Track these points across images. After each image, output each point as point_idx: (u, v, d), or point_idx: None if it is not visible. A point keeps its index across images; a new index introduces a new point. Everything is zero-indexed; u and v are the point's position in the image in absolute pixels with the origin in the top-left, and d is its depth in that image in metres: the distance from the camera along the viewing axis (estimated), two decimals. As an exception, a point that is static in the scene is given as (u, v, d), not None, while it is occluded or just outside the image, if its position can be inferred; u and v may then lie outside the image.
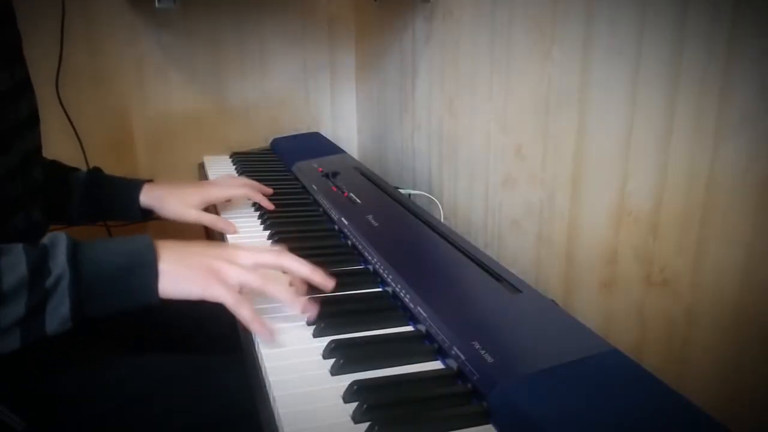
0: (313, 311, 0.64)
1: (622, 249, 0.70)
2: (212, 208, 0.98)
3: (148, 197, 0.92)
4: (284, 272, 0.68)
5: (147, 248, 0.61)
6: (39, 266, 0.56)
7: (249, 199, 1.00)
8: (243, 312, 0.61)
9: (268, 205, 0.98)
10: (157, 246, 0.62)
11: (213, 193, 0.96)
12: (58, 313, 0.56)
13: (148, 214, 0.94)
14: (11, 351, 0.55)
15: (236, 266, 0.64)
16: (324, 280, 0.66)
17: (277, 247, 0.70)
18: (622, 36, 0.67)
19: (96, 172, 0.95)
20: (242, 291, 0.63)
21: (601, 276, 0.74)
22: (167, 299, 0.61)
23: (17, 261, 0.55)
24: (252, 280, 0.63)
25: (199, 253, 0.64)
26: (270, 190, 1.02)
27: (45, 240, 0.59)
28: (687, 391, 0.49)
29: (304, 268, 0.66)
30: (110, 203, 0.93)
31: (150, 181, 0.95)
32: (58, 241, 0.58)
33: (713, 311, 0.60)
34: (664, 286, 0.65)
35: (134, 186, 0.93)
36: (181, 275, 0.61)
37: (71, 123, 1.35)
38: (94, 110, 1.42)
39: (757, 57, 0.53)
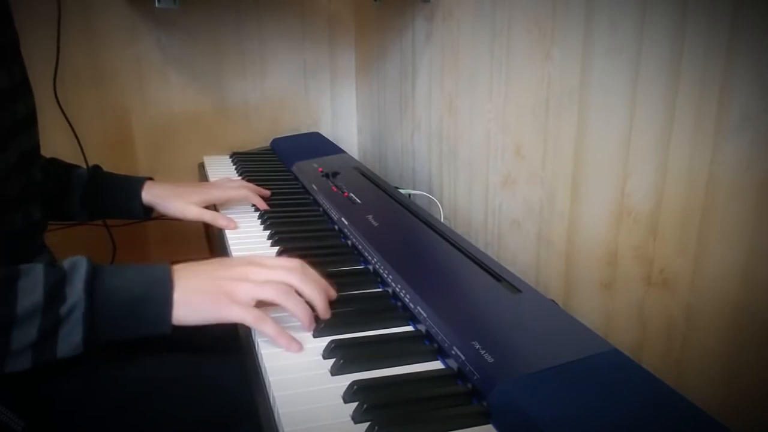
0: (316, 328, 0.62)
1: (622, 249, 0.70)
2: (212, 208, 0.98)
3: (149, 194, 0.93)
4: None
5: (163, 278, 0.60)
6: (55, 292, 0.56)
7: (247, 201, 1.00)
8: (266, 329, 0.60)
9: (266, 208, 0.98)
10: (173, 275, 0.61)
11: (213, 194, 0.97)
12: (71, 339, 0.56)
13: (149, 212, 0.95)
14: (22, 370, 0.56)
15: (248, 282, 0.62)
16: (325, 311, 0.64)
17: (292, 262, 0.66)
18: (622, 36, 0.67)
19: (97, 170, 0.95)
20: (258, 306, 0.62)
21: (601, 276, 0.74)
22: (183, 326, 0.60)
23: (35, 284, 0.56)
24: (265, 293, 0.62)
25: (212, 275, 0.63)
26: (267, 192, 1.03)
27: (65, 264, 0.58)
28: (687, 391, 0.49)
29: (314, 293, 0.63)
30: (112, 200, 0.93)
31: (150, 178, 0.95)
32: (78, 266, 0.58)
33: (713, 311, 0.60)
34: (664, 286, 0.65)
35: (136, 183, 0.93)
36: (194, 302, 0.61)
37: (69, 123, 1.35)
38: (94, 110, 1.42)
39: (757, 57, 0.53)
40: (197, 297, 0.61)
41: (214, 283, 0.62)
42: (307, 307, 0.63)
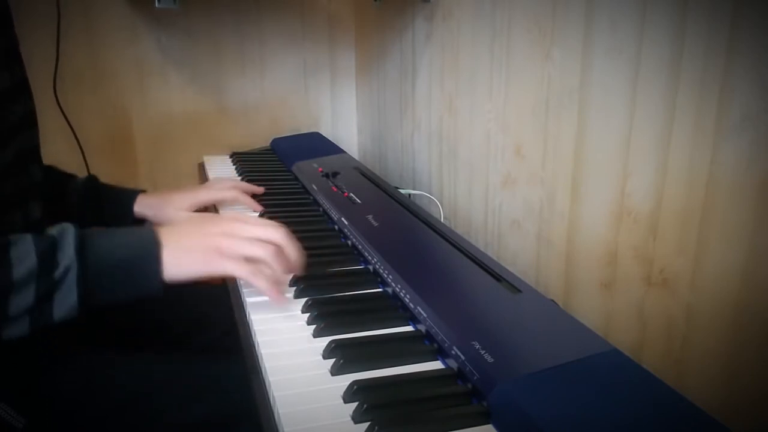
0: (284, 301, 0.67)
1: (622, 249, 0.70)
2: (212, 209, 0.98)
3: (141, 206, 0.94)
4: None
5: (150, 239, 0.62)
6: (48, 257, 0.58)
7: (238, 202, 1.00)
8: (258, 282, 0.63)
9: (257, 208, 0.98)
10: (160, 236, 0.63)
11: (201, 196, 0.98)
12: (66, 302, 0.58)
13: (141, 223, 0.96)
14: (20, 336, 0.57)
15: (236, 238, 0.65)
16: (302, 267, 0.69)
17: (273, 223, 0.70)
18: (622, 36, 0.67)
19: (92, 181, 0.95)
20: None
21: (601, 276, 0.74)
22: (174, 283, 0.62)
23: (27, 252, 0.57)
24: (255, 250, 0.65)
25: (199, 231, 0.66)
26: (261, 190, 1.03)
27: (53, 231, 0.60)
28: (687, 391, 0.49)
29: (296, 253, 0.68)
30: (107, 212, 0.94)
31: (144, 191, 0.96)
32: (67, 232, 0.60)
33: (713, 311, 0.60)
34: (664, 286, 0.65)
35: (129, 195, 0.94)
36: (183, 258, 0.63)
37: (69, 124, 1.36)
38: (94, 111, 1.42)
39: (757, 57, 0.53)
40: (187, 255, 0.63)
41: (202, 239, 0.65)
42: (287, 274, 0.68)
